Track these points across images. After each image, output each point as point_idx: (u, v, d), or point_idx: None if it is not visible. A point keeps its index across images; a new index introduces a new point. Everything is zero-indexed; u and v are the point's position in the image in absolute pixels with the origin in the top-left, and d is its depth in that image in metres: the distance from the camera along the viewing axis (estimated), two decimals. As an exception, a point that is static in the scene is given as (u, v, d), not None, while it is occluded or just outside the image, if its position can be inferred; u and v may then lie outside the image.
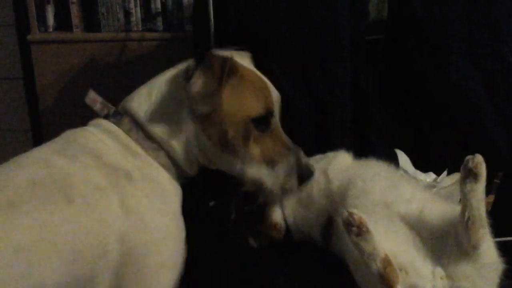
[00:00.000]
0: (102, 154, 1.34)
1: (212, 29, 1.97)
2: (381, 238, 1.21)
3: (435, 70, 1.89)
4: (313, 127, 1.91)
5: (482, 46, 1.88)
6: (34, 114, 2.72)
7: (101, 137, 1.39)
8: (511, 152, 1.92)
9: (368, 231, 1.19)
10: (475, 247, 1.22)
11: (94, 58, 2.55)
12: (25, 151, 2.64)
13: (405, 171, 1.77)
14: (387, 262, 1.18)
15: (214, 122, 1.41)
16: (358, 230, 1.19)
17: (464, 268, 1.25)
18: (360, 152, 1.88)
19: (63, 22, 2.60)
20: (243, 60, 1.53)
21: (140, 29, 2.53)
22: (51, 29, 2.58)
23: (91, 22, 2.55)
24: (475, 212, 1.19)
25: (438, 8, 1.89)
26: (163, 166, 1.43)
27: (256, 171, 1.44)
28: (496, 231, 2.16)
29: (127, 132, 1.42)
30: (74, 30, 2.55)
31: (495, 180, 2.27)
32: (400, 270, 1.20)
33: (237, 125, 1.42)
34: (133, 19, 2.52)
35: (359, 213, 1.19)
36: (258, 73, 1.51)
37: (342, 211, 1.21)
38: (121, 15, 2.52)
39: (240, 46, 1.93)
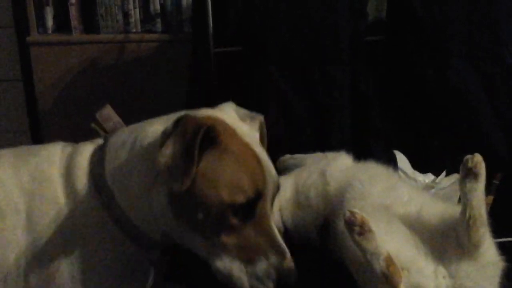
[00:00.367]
0: (43, 180, 1.24)
1: (211, 31, 1.98)
2: (382, 238, 1.21)
3: (435, 73, 1.91)
4: (312, 130, 1.93)
5: (482, 49, 1.90)
6: (33, 115, 2.72)
7: (58, 160, 1.27)
8: (510, 153, 1.93)
9: (370, 230, 1.19)
10: (476, 246, 1.22)
11: (93, 60, 2.55)
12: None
13: (404, 172, 1.77)
14: (390, 261, 1.18)
15: (184, 199, 1.13)
16: (361, 229, 1.19)
17: (465, 267, 1.25)
18: (359, 154, 1.89)
19: (62, 24, 2.60)
20: (251, 124, 1.28)
21: (139, 30, 2.53)
22: (50, 31, 2.59)
23: (90, 24, 2.55)
24: (475, 211, 1.20)
25: (438, 8, 1.90)
26: (110, 217, 1.23)
27: (226, 266, 1.16)
28: (495, 232, 2.17)
29: (93, 164, 1.25)
30: (73, 31, 2.55)
31: (494, 181, 2.28)
32: (402, 269, 1.20)
33: (210, 209, 1.13)
34: (132, 20, 2.51)
35: (361, 212, 1.20)
36: (254, 145, 1.20)
37: (345, 211, 1.21)
38: (120, 17, 2.51)
39: (238, 48, 1.96)
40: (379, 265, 1.18)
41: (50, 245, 1.22)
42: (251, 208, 1.15)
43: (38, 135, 2.71)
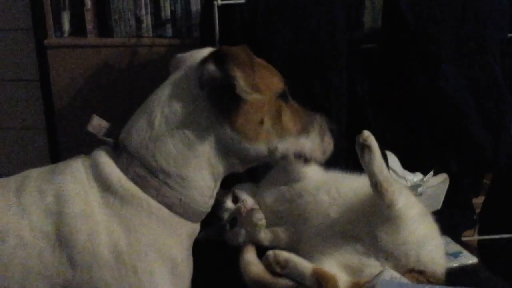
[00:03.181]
0: (70, 197, 1.23)
1: (218, 37, 2.08)
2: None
3: (426, 79, 2.01)
4: None
5: (469, 57, 2.00)
6: (49, 114, 2.81)
7: (81, 177, 1.27)
8: (496, 153, 2.04)
9: (286, 260, 1.35)
10: (391, 204, 1.34)
11: (107, 62, 2.65)
12: (40, 148, 2.80)
13: (394, 171, 1.88)
14: (317, 272, 1.33)
15: (248, 113, 1.27)
16: (280, 265, 1.35)
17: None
18: (355, 153, 2.00)
19: (78, 28, 2.70)
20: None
21: (151, 35, 2.63)
22: (66, 34, 2.68)
23: (104, 28, 2.65)
24: (379, 176, 1.34)
25: (429, 20, 2.00)
26: (170, 206, 1.27)
27: (296, 144, 1.34)
28: (488, 230, 2.26)
29: (124, 170, 1.26)
30: (88, 35, 2.65)
31: (485, 181, 2.38)
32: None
33: (270, 105, 1.31)
34: (144, 25, 2.61)
35: (274, 251, 1.36)
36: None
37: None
38: (132, 22, 2.61)
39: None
40: (310, 280, 1.32)
41: (95, 263, 1.21)
42: (285, 92, 1.37)
43: (54, 132, 2.81)
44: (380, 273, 1.30)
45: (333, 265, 1.38)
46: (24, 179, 1.28)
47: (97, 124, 1.34)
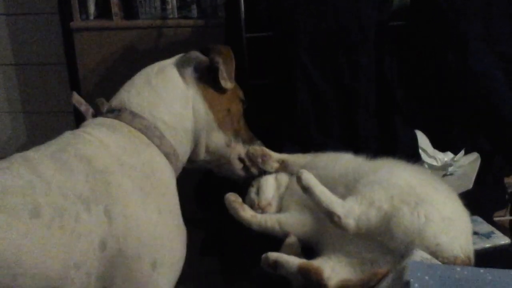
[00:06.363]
0: (94, 159, 1.30)
1: (243, 17, 2.06)
2: None
3: (455, 55, 1.97)
4: (339, 112, 2.00)
5: (498, 33, 1.96)
6: None
7: (100, 137, 1.37)
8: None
9: (275, 261, 1.37)
10: (345, 230, 1.36)
11: (133, 44, 2.65)
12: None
13: (424, 151, 1.86)
14: (303, 266, 1.34)
15: (220, 102, 1.56)
16: (271, 267, 1.38)
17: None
18: (384, 133, 1.98)
19: (103, 10, 2.70)
20: None
21: (176, 16, 2.62)
22: (92, 17, 2.68)
23: (130, 10, 2.64)
24: (325, 209, 1.36)
25: (458, -3, 1.97)
26: (167, 155, 1.44)
27: (242, 148, 1.66)
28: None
29: (130, 123, 1.42)
30: (114, 18, 2.65)
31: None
32: None
33: (235, 102, 1.62)
34: (169, 6, 2.60)
35: (266, 253, 1.39)
36: None
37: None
38: (157, 3, 2.60)
39: (270, 33, 2.05)
40: (298, 277, 1.35)
41: (132, 213, 1.29)
42: (244, 103, 1.67)
43: (81, 115, 2.83)
44: (411, 254, 1.28)
45: (341, 261, 1.39)
46: (27, 161, 1.28)
47: (78, 99, 1.56)
